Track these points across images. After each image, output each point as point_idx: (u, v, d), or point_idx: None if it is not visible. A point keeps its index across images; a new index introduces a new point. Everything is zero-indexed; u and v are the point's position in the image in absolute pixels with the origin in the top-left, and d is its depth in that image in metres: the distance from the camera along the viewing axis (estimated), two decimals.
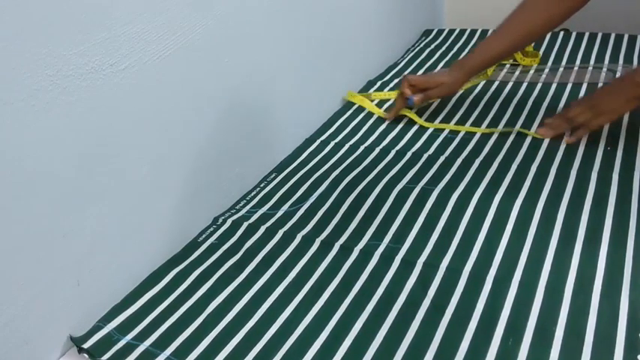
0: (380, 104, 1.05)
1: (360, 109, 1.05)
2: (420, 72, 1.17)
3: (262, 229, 0.74)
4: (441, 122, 0.96)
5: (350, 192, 0.79)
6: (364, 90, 1.12)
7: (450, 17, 1.63)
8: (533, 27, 0.88)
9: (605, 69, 1.08)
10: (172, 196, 0.70)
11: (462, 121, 0.96)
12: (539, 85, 1.05)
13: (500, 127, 0.92)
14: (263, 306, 0.62)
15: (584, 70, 1.09)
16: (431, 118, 0.98)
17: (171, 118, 0.67)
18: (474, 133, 0.91)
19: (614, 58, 1.12)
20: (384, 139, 0.94)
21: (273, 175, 0.87)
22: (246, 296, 0.63)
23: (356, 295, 0.62)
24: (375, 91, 1.11)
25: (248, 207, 0.80)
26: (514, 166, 0.81)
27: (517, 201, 0.73)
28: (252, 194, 0.83)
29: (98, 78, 0.57)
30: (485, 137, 0.90)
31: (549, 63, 1.14)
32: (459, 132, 0.92)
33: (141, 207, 0.66)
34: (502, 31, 0.90)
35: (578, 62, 1.13)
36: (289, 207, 0.79)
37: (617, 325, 0.54)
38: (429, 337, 0.56)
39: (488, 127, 0.93)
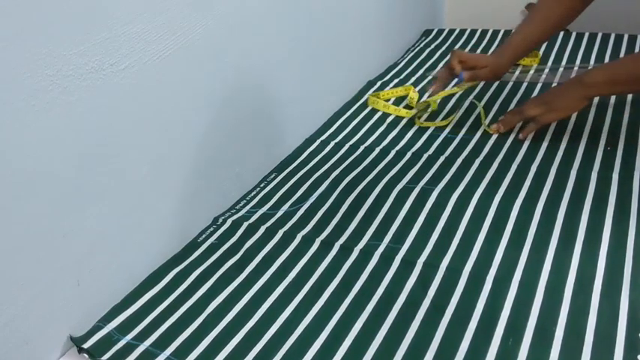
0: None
1: (360, 109, 1.05)
2: (421, 71, 1.17)
3: (262, 229, 0.74)
4: (440, 122, 0.97)
5: (350, 192, 0.79)
6: (364, 91, 1.11)
7: (450, 17, 1.63)
8: (562, 12, 0.89)
9: None
10: (172, 196, 0.70)
11: (462, 121, 0.96)
12: (539, 85, 1.05)
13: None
14: (263, 306, 0.62)
15: (584, 70, 1.09)
16: (431, 118, 0.98)
17: (171, 118, 0.67)
18: (474, 134, 0.91)
19: (615, 58, 1.12)
20: (384, 139, 0.94)
21: (273, 175, 0.87)
22: (246, 296, 0.63)
23: (356, 295, 0.62)
24: (375, 91, 1.11)
25: (248, 207, 0.80)
26: (514, 166, 0.81)
27: (517, 201, 0.73)
28: (252, 194, 0.83)
29: (98, 78, 0.57)
30: (485, 137, 0.90)
31: (549, 63, 1.14)
32: (457, 132, 0.92)
33: (141, 207, 0.66)
34: (533, 18, 0.91)
35: (578, 62, 1.13)
36: (289, 207, 0.79)
37: (617, 325, 0.54)
38: (429, 337, 0.56)
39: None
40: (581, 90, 0.82)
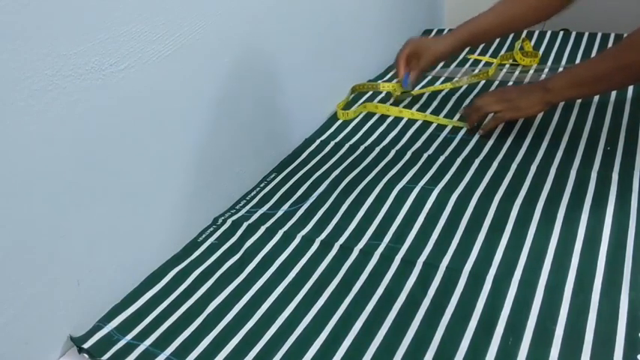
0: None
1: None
2: None
3: (262, 229, 0.74)
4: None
5: (350, 192, 0.79)
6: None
7: (450, 17, 1.63)
8: (524, 10, 0.91)
9: None
10: (172, 196, 0.70)
11: (462, 120, 0.96)
12: None
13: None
14: (263, 306, 0.62)
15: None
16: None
17: (171, 118, 0.67)
18: (474, 134, 0.91)
19: None
20: (384, 139, 0.94)
21: (273, 175, 0.87)
22: (246, 296, 0.63)
23: (356, 295, 0.62)
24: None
25: (248, 207, 0.80)
26: (514, 166, 0.81)
27: (517, 201, 0.73)
28: (252, 194, 0.83)
29: (98, 78, 0.57)
30: (485, 137, 0.90)
31: (549, 63, 1.14)
32: (457, 130, 0.92)
33: (141, 207, 0.66)
34: (494, 10, 0.93)
35: (577, 62, 1.13)
36: (289, 207, 0.79)
37: (617, 324, 0.54)
38: (429, 336, 0.56)
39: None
40: (543, 95, 0.82)
